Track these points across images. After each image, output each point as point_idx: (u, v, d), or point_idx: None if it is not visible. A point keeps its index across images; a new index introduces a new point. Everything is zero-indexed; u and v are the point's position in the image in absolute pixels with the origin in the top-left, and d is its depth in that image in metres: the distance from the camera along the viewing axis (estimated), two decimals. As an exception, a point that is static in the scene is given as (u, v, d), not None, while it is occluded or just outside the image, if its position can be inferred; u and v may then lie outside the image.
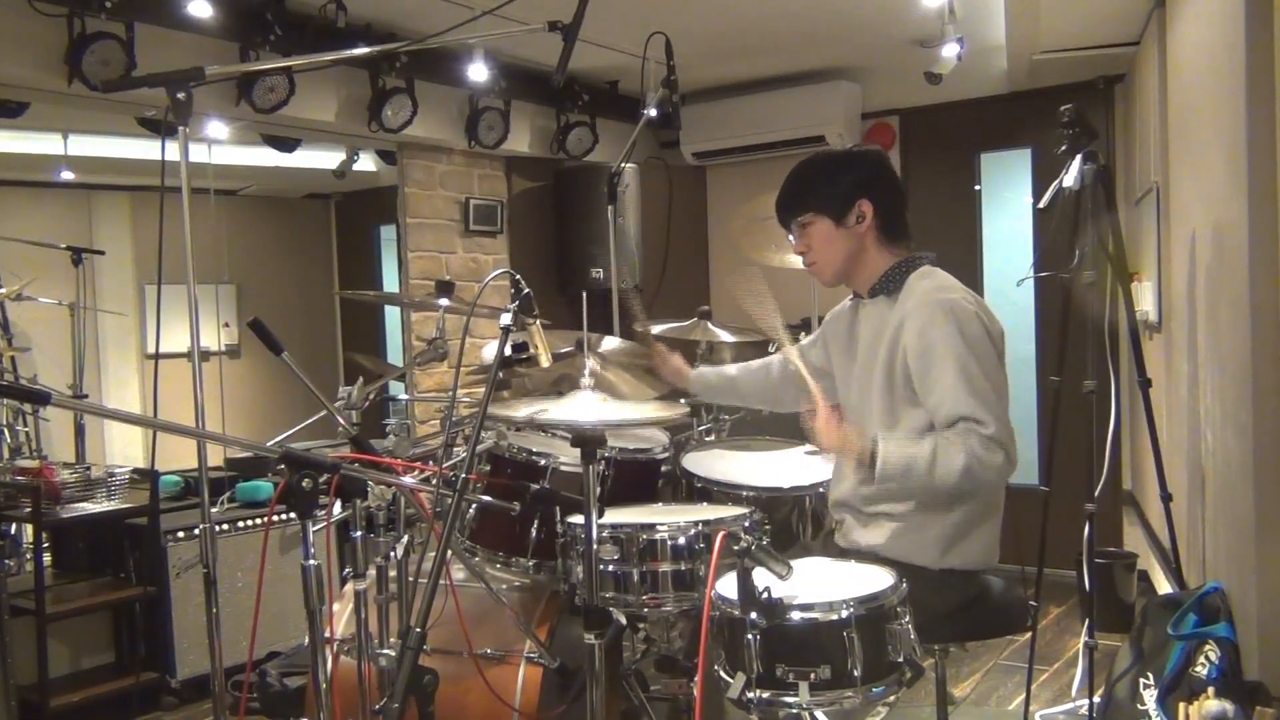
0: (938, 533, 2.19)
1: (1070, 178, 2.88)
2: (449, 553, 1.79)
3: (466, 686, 2.42)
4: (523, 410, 2.24)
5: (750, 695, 1.80)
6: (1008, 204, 5.49)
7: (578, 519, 2.37)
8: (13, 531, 4.12)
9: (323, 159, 5.46)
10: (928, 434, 2.10)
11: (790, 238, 2.39)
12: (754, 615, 1.78)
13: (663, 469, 2.86)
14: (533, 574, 2.62)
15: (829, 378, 2.47)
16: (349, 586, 2.33)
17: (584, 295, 2.47)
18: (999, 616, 2.27)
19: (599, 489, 2.33)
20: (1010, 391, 2.23)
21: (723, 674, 1.88)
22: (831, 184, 2.30)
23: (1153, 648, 2.61)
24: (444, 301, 2.63)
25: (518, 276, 2.09)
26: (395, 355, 5.70)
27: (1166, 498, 3.10)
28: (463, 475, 1.83)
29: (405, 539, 2.28)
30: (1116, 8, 4.01)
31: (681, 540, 2.32)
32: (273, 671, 3.05)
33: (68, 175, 5.13)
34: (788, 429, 3.19)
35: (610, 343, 3.10)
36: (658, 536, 2.32)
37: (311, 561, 1.73)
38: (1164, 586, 3.67)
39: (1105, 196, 2.89)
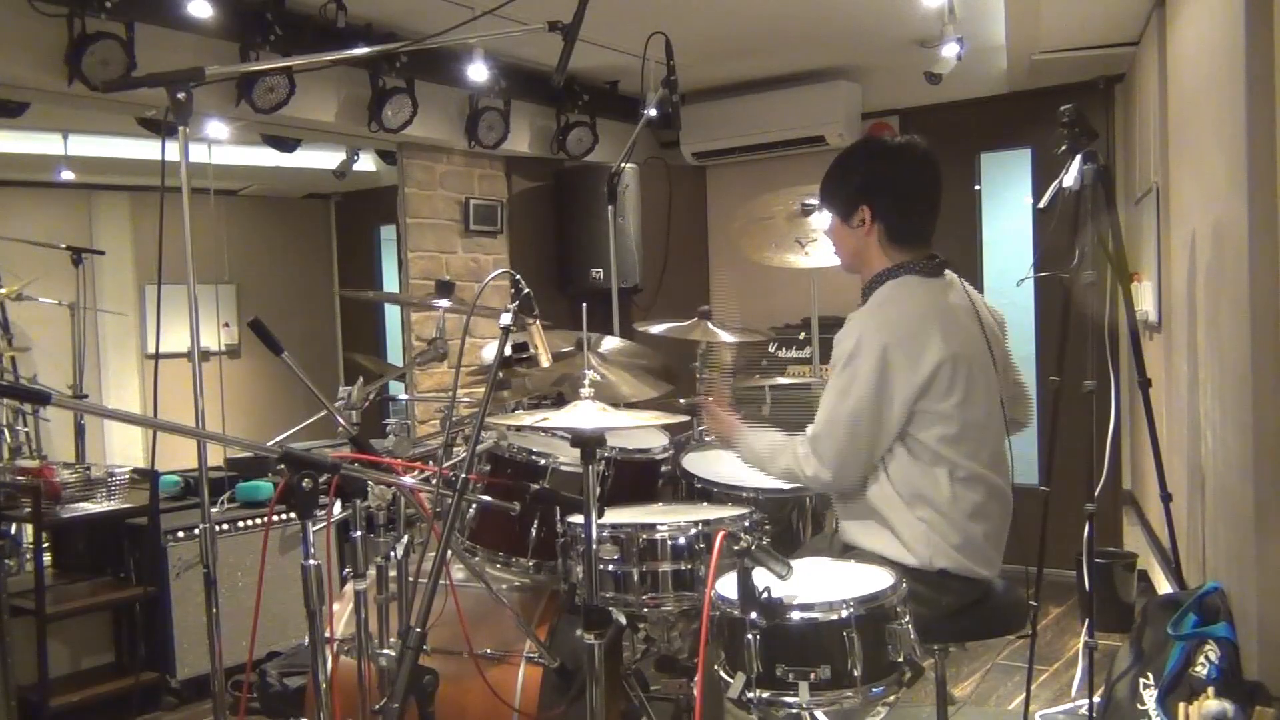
0: (906, 535, 2.19)
1: (1070, 178, 2.88)
2: (449, 553, 1.79)
3: (466, 686, 2.42)
4: (525, 419, 2.24)
5: (750, 695, 1.80)
6: (1008, 204, 5.49)
7: (578, 519, 2.37)
8: (13, 531, 4.11)
9: (323, 159, 5.46)
10: (782, 437, 2.33)
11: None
12: (754, 615, 1.78)
13: (663, 469, 2.86)
14: (533, 574, 2.62)
15: None
16: (349, 586, 2.32)
17: (584, 306, 2.47)
18: (999, 616, 2.27)
19: (599, 489, 2.33)
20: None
21: (723, 674, 1.88)
22: (841, 185, 2.34)
23: (1153, 648, 2.61)
24: (444, 302, 2.63)
25: (518, 276, 2.09)
26: (395, 355, 5.70)
27: (1166, 498, 3.10)
28: (463, 475, 1.83)
29: (405, 539, 2.28)
30: (1116, 8, 4.01)
31: (681, 540, 2.32)
32: (273, 671, 3.05)
33: (68, 175, 5.12)
34: (787, 429, 3.19)
35: (610, 342, 3.10)
36: (658, 536, 2.32)
37: (311, 561, 1.73)
38: (1164, 586, 3.67)
39: (1105, 196, 2.89)
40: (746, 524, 2.40)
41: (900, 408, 2.15)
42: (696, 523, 2.35)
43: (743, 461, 2.45)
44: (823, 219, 2.51)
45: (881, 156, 2.34)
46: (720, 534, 1.91)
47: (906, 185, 2.31)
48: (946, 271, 2.33)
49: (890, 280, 2.28)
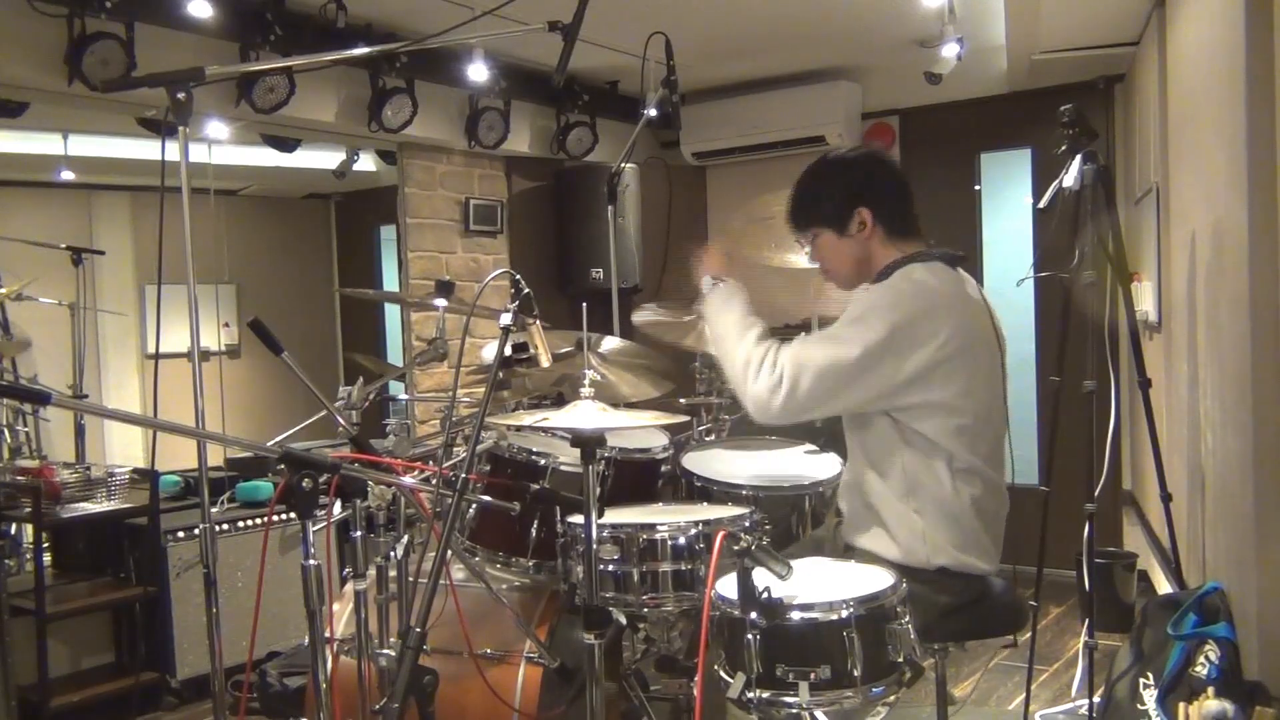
0: (902, 533, 2.18)
1: (1070, 178, 2.88)
2: (449, 553, 1.79)
3: (466, 686, 2.42)
4: (525, 419, 2.24)
5: (750, 695, 1.80)
6: (1008, 204, 5.49)
7: (578, 519, 2.37)
8: (13, 531, 4.12)
9: (323, 159, 5.46)
10: (763, 341, 2.25)
11: (805, 248, 2.42)
12: (754, 615, 1.78)
13: (663, 469, 2.86)
14: (533, 574, 2.62)
15: None
16: (349, 586, 2.32)
17: (584, 306, 2.47)
18: (999, 616, 2.27)
19: (599, 489, 2.33)
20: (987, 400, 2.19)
21: (723, 674, 1.88)
22: (829, 197, 2.32)
23: (1153, 648, 2.61)
24: (444, 302, 2.63)
25: (518, 276, 2.09)
26: (395, 355, 5.70)
27: (1166, 498, 3.10)
28: (463, 475, 1.83)
29: (405, 539, 2.28)
30: (1116, 8, 4.01)
31: (681, 540, 2.32)
32: (273, 671, 3.05)
33: (68, 175, 5.13)
34: (787, 429, 3.19)
35: (610, 342, 3.10)
36: (658, 536, 2.32)
37: (311, 561, 1.73)
38: (1164, 586, 3.67)
39: (1105, 196, 2.89)
40: (746, 524, 2.40)
41: (876, 389, 2.12)
42: (696, 523, 2.35)
43: (707, 331, 2.44)
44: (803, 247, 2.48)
45: (855, 163, 2.34)
46: (720, 534, 1.91)
47: (889, 180, 2.33)
48: (961, 271, 2.34)
49: (914, 262, 2.24)
